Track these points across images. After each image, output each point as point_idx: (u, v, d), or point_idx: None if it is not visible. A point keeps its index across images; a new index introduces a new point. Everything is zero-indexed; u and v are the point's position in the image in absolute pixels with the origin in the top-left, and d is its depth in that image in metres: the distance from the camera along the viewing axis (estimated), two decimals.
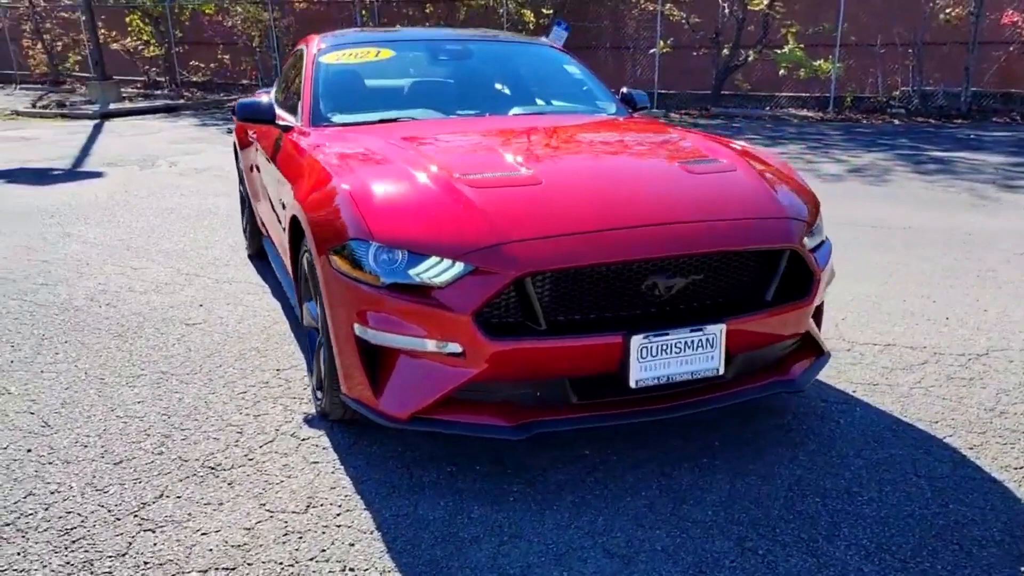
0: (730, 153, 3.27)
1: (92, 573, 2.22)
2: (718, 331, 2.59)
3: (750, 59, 15.28)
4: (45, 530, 2.42)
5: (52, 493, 2.62)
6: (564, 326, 2.52)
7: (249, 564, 2.26)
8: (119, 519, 2.47)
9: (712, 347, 2.60)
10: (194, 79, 20.68)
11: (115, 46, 20.64)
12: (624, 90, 4.56)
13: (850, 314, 4.33)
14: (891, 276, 5.03)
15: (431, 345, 2.48)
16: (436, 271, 2.47)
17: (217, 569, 2.24)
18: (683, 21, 15.67)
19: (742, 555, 2.31)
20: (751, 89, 15.72)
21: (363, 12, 18.38)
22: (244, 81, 20.10)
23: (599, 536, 2.40)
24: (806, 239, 2.87)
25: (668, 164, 3.15)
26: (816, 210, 3.07)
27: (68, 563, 2.27)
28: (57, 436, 3.01)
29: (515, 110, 4.06)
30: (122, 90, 18.49)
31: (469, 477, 2.71)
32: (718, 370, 2.63)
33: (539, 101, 4.26)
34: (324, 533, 2.40)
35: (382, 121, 3.73)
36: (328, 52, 4.19)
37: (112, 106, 16.96)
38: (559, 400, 2.59)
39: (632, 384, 2.53)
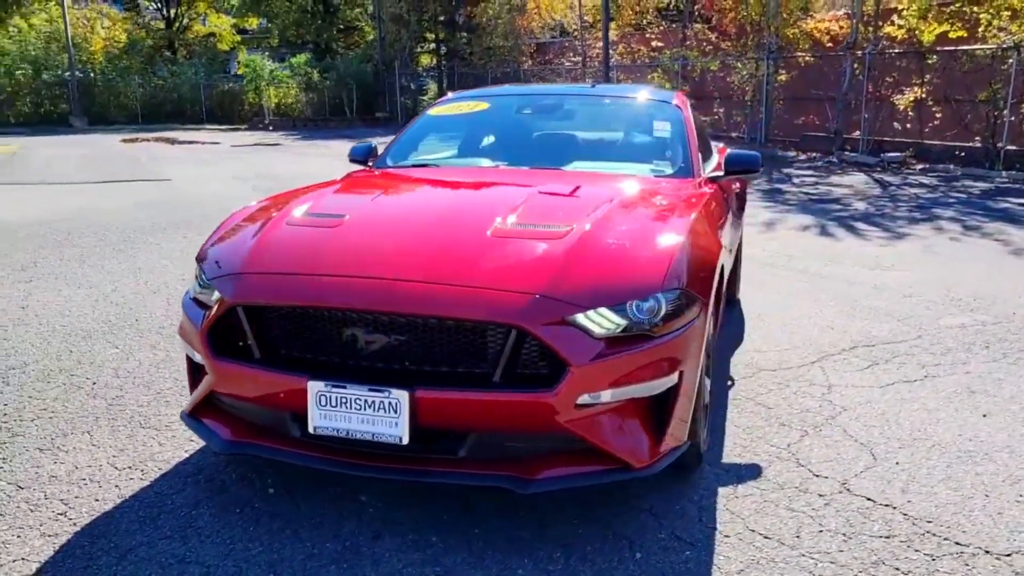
0: (588, 223, 2.94)
1: None
2: (402, 397, 2.50)
3: None
4: None
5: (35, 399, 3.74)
6: (273, 360, 2.72)
7: (21, 489, 3.00)
8: (34, 445, 3.45)
9: (396, 413, 2.51)
10: None
11: None
12: (729, 152, 4.13)
13: (900, 458, 3.25)
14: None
15: (198, 356, 2.92)
16: (214, 292, 2.90)
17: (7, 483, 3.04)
18: None
19: None
20: None
21: (855, 65, 17.39)
22: (733, 134, 20.67)
23: (227, 559, 2.57)
24: (588, 322, 2.53)
25: (486, 224, 2.95)
26: (646, 295, 2.62)
27: None
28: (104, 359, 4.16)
29: (573, 165, 4.05)
30: None
31: (249, 490, 3.02)
32: (400, 438, 2.53)
33: (599, 158, 4.13)
34: (83, 485, 3.02)
35: (414, 166, 4.16)
36: (438, 105, 4.70)
37: None
38: (281, 429, 2.78)
39: (311, 429, 2.61)
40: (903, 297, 5.93)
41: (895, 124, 17.29)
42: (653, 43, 24.46)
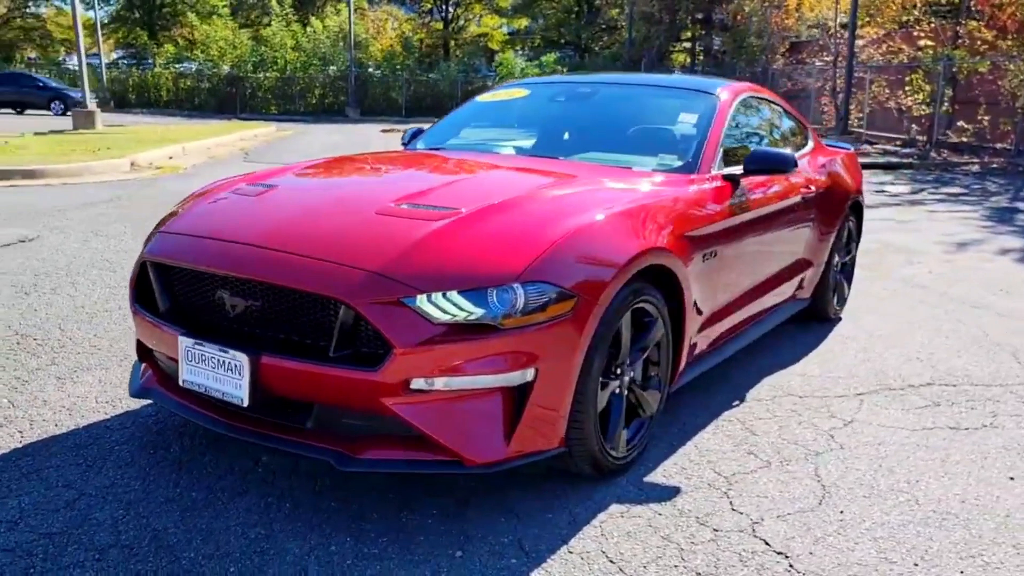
0: (478, 207, 2.83)
1: None
2: (243, 360, 2.60)
3: None
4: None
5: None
6: (168, 314, 2.92)
7: (13, 407, 3.49)
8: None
9: (239, 375, 2.62)
10: (952, 139, 19.59)
11: (891, 104, 21.15)
12: (754, 149, 3.74)
13: (850, 509, 2.76)
14: None
15: None
16: None
17: (7, 400, 3.55)
18: None
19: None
20: None
21: None
22: (999, 145, 18.14)
23: (104, 491, 2.82)
24: (428, 306, 2.46)
25: (382, 203, 2.93)
26: (502, 283, 2.52)
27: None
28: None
29: (580, 156, 3.90)
30: (864, 145, 19.07)
31: (177, 437, 3.26)
32: (243, 400, 2.62)
33: (610, 149, 3.92)
34: (58, 411, 3.44)
35: (433, 149, 4.24)
36: (489, 92, 4.71)
37: None
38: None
39: (180, 382, 2.79)
40: None
41: None
42: (921, 41, 22.10)
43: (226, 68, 36.41)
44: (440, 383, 2.49)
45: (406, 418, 2.50)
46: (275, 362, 2.58)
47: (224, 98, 35.81)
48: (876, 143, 21.68)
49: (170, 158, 14.24)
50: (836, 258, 5.08)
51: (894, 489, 2.98)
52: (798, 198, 4.31)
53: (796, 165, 3.69)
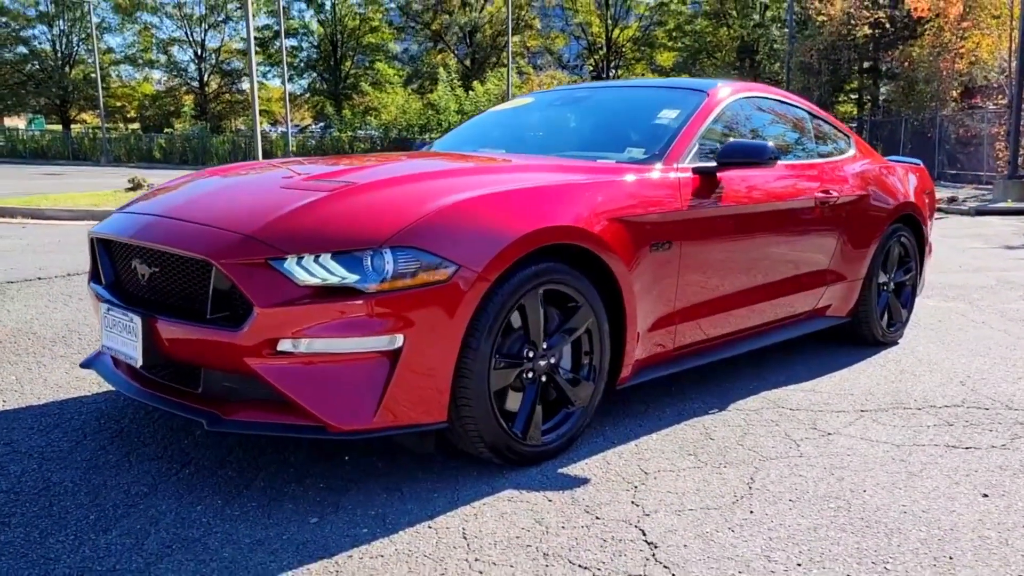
0: (368, 180, 2.86)
1: None
2: (136, 321, 2.71)
3: None
4: None
5: None
6: (108, 286, 3.10)
7: (18, 382, 3.81)
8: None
9: (134, 336, 2.73)
10: None
11: None
12: (730, 140, 3.54)
13: (764, 510, 2.46)
14: None
15: None
16: None
17: (16, 378, 3.89)
18: None
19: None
20: None
21: None
22: None
23: (32, 449, 3.01)
24: (296, 268, 2.47)
25: (290, 177, 3.01)
26: (372, 247, 2.50)
27: None
28: None
29: (558, 153, 3.84)
30: None
31: (129, 411, 3.45)
32: (137, 361, 2.73)
33: (583, 148, 3.81)
34: (49, 387, 3.72)
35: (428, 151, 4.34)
36: (505, 103, 4.76)
37: (999, 204, 16.31)
38: None
39: (101, 348, 2.96)
40: None
41: None
42: None
43: (395, 132, 38.73)
44: (303, 345, 2.49)
45: (269, 379, 2.50)
46: (164, 324, 2.68)
47: None
48: None
49: None
50: (884, 276, 4.63)
51: (829, 496, 2.64)
52: (809, 201, 4.00)
53: (775, 157, 3.44)
